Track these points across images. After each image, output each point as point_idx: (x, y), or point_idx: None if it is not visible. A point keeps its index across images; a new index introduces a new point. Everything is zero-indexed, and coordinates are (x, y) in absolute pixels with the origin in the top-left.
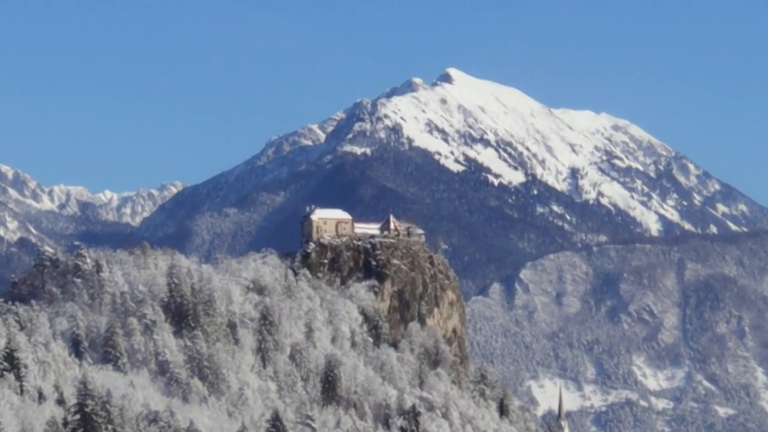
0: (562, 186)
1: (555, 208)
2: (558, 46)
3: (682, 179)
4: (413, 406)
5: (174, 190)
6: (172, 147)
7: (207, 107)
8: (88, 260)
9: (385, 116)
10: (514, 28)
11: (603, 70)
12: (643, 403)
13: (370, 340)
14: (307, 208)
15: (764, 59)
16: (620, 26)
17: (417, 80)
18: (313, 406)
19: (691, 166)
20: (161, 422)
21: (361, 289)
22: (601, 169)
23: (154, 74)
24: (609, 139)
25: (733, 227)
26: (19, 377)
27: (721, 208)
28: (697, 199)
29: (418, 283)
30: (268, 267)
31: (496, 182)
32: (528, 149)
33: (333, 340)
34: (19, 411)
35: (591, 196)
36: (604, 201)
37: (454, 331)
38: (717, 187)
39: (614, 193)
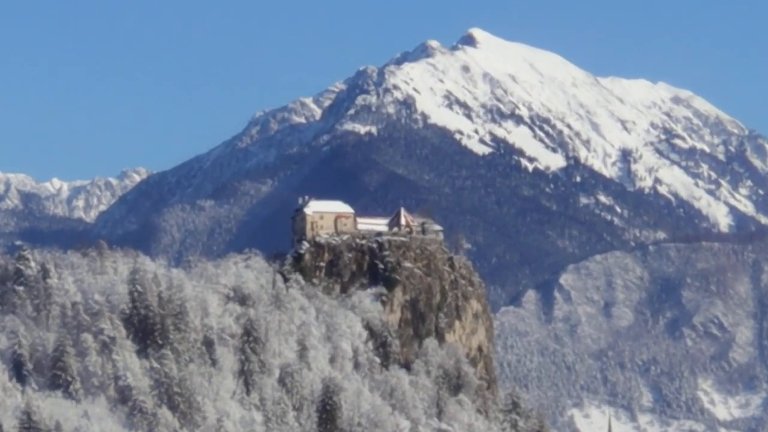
0: (610, 172)
1: (602, 198)
2: (605, 1)
3: (757, 163)
4: None
5: (137, 179)
6: (134, 126)
7: (177, 78)
8: (32, 264)
9: (395, 87)
10: None
11: (661, 30)
12: None
13: (377, 360)
14: (300, 200)
15: None
16: None
17: (433, 43)
18: None
19: None
20: None
21: (365, 298)
22: (658, 151)
23: (112, 40)
24: (668, 115)
25: None
26: None
27: None
28: None
29: (435, 290)
30: (252, 272)
31: (530, 167)
32: (569, 127)
33: (332, 361)
34: None
35: (646, 183)
36: (663, 190)
37: (480, 348)
38: None
39: (675, 180)
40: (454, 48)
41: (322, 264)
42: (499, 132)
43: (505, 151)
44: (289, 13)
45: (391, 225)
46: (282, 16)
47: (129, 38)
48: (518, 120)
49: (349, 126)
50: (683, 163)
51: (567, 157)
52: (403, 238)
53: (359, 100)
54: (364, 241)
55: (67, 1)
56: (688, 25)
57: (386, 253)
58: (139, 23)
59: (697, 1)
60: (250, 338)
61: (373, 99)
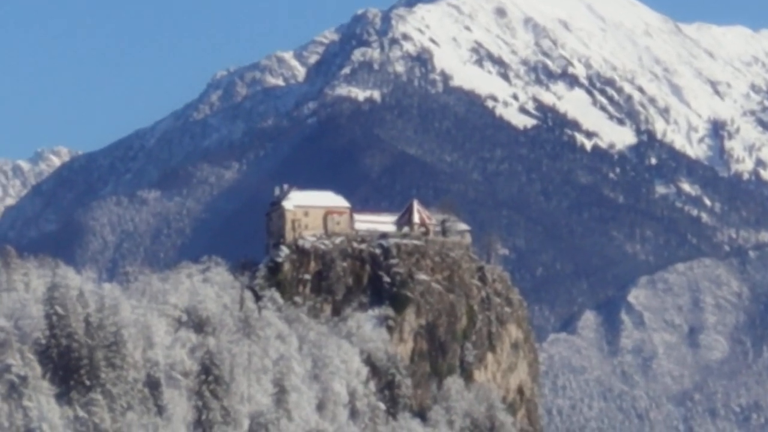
0: (697, 151)
1: (686, 187)
2: None
3: None
4: None
5: (56, 162)
6: (52, 93)
7: (109, 27)
8: None
9: (405, 37)
10: None
11: None
12: None
13: (382, 406)
14: (277, 190)
15: None
16: None
17: None
18: None
19: None
20: None
21: (366, 323)
22: (762, 123)
23: None
24: None
25: None
26: None
27: None
28: None
29: (460, 312)
30: (212, 287)
31: (588, 145)
32: (641, 91)
33: (320, 407)
34: None
35: (745, 167)
36: None
37: (521, 390)
38: None
39: None
40: None
41: (308, 277)
42: (546, 97)
43: (554, 123)
44: None
45: (400, 224)
46: None
47: None
48: (572, 81)
49: (343, 90)
50: None
51: (638, 132)
52: (416, 242)
53: (357, 54)
54: (363, 246)
55: None
56: None
57: (394, 261)
58: None
59: None
60: (209, 377)
61: (375, 53)
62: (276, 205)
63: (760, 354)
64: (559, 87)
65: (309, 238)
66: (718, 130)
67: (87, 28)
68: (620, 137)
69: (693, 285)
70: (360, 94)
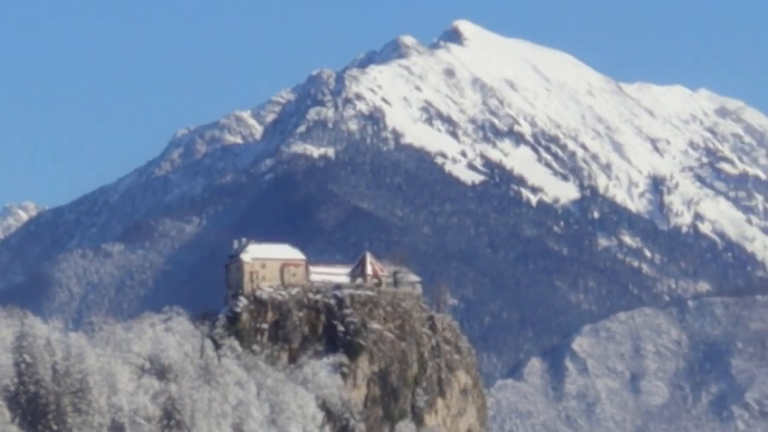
0: (638, 205)
1: (627, 240)
2: None
3: None
4: None
5: (24, 216)
6: (20, 150)
7: (75, 89)
8: None
9: (358, 97)
10: None
11: (702, 24)
12: None
13: None
14: (236, 244)
15: None
16: None
17: (407, 40)
18: None
19: None
20: None
21: (321, 369)
22: (699, 179)
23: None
24: (712, 131)
25: None
26: None
27: None
28: None
29: (411, 359)
30: (173, 336)
31: (533, 200)
32: (584, 148)
33: None
34: None
35: (684, 220)
36: (705, 228)
37: None
38: None
39: (721, 216)
40: (434, 46)
41: (265, 326)
42: (494, 154)
43: (500, 179)
44: (222, 6)
45: (353, 275)
46: (212, 9)
47: (21, 35)
48: (518, 139)
49: (298, 148)
50: (731, 194)
51: (581, 187)
52: (369, 293)
53: (312, 114)
54: (318, 297)
55: None
56: (737, 19)
57: (348, 311)
58: (32, 22)
59: None
60: (171, 422)
61: (329, 113)
62: (235, 257)
63: (698, 399)
64: (506, 144)
65: (266, 289)
66: (657, 185)
67: (52, 86)
68: (564, 192)
69: (634, 333)
70: (315, 151)
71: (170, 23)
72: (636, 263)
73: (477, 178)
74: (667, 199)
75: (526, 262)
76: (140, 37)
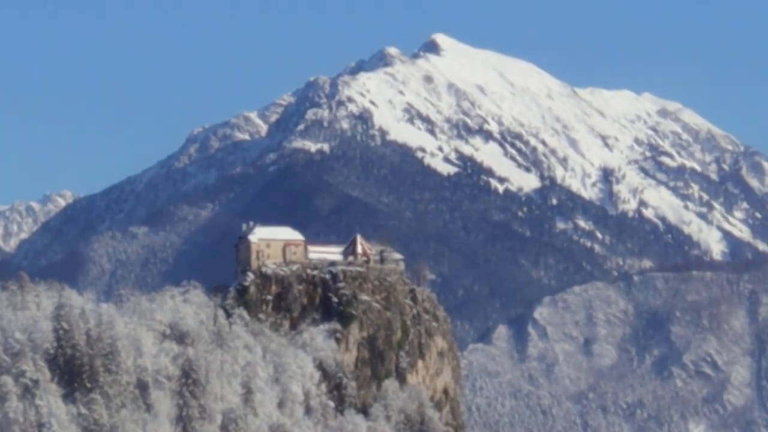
0: (590, 193)
1: (581, 223)
2: (584, 4)
3: (754, 183)
4: None
5: (62, 203)
6: (58, 145)
7: (106, 91)
8: None
9: (349, 100)
10: None
11: (646, 36)
12: None
13: (331, 404)
14: (244, 226)
15: None
16: None
17: (392, 51)
18: None
19: (767, 165)
20: None
21: (317, 335)
22: (643, 170)
23: (35, 51)
24: (654, 129)
25: None
26: None
27: None
28: None
29: (395, 326)
30: (190, 306)
31: (500, 188)
32: (544, 143)
33: (280, 405)
34: None
35: (630, 206)
36: (648, 213)
37: (446, 391)
38: None
39: (662, 203)
40: (415, 56)
41: (269, 297)
42: (466, 149)
43: (472, 170)
44: (231, 18)
45: (346, 254)
46: (223, 21)
47: (53, 47)
48: (487, 136)
49: (298, 143)
50: (671, 184)
51: (542, 178)
52: (359, 269)
53: (309, 114)
54: (315, 272)
55: None
56: (676, 31)
57: (341, 284)
58: (67, 32)
59: (686, 5)
60: (188, 380)
61: (325, 113)
62: (243, 238)
63: (642, 361)
64: (477, 141)
65: (271, 265)
66: (607, 176)
67: (89, 92)
68: (527, 182)
69: (587, 304)
70: (312, 146)
71: (191, 38)
72: (589, 243)
73: (452, 170)
74: (615, 188)
75: (494, 243)
76: (165, 49)
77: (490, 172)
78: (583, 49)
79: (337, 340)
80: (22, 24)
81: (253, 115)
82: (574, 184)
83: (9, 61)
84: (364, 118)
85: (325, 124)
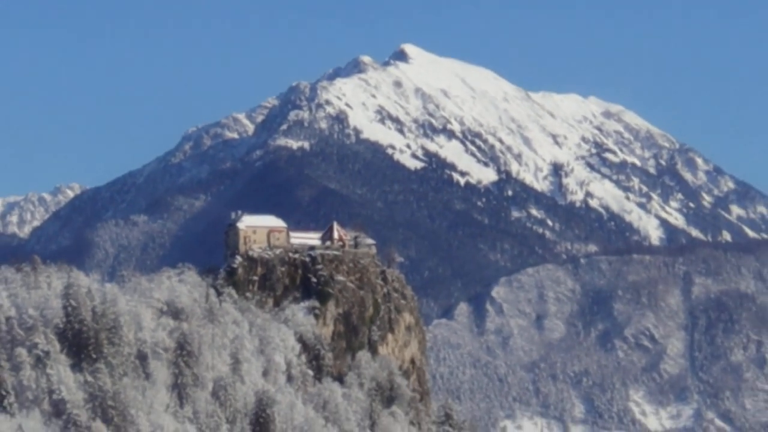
0: (542, 186)
1: (534, 212)
2: (536, 17)
3: (688, 176)
4: None
5: (70, 194)
6: (67, 142)
7: (110, 93)
8: None
9: (327, 102)
10: None
11: (591, 45)
12: None
13: (310, 373)
14: (233, 215)
15: None
16: None
17: (365, 59)
18: None
19: (699, 161)
20: None
21: (298, 311)
22: (589, 165)
23: (46, 56)
24: (599, 129)
25: (751, 234)
26: None
27: (736, 210)
28: (707, 200)
29: (368, 303)
30: (185, 286)
31: (462, 181)
32: (501, 141)
33: (265, 374)
34: None
35: (577, 197)
36: (594, 203)
37: (413, 361)
38: (731, 185)
39: (606, 194)
40: (386, 64)
41: (255, 278)
42: (431, 146)
43: (437, 165)
44: (221, 29)
45: (323, 239)
46: (214, 31)
47: (62, 55)
48: (450, 135)
49: (281, 141)
50: (614, 177)
51: (498, 171)
52: (335, 252)
53: (292, 115)
54: (296, 255)
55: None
56: (618, 40)
57: (319, 266)
58: (73, 40)
59: (626, 17)
60: (183, 352)
61: (305, 114)
62: (232, 225)
63: (588, 334)
64: (441, 139)
65: (257, 249)
66: (557, 170)
67: (97, 96)
68: (485, 176)
69: (539, 284)
70: (294, 144)
71: (189, 49)
72: (540, 230)
73: (418, 164)
74: (564, 181)
75: (456, 229)
76: (166, 59)
77: (452, 167)
78: (535, 58)
79: (316, 316)
80: (33, 37)
81: (242, 116)
82: (528, 178)
83: (27, 69)
84: (340, 119)
85: (306, 124)
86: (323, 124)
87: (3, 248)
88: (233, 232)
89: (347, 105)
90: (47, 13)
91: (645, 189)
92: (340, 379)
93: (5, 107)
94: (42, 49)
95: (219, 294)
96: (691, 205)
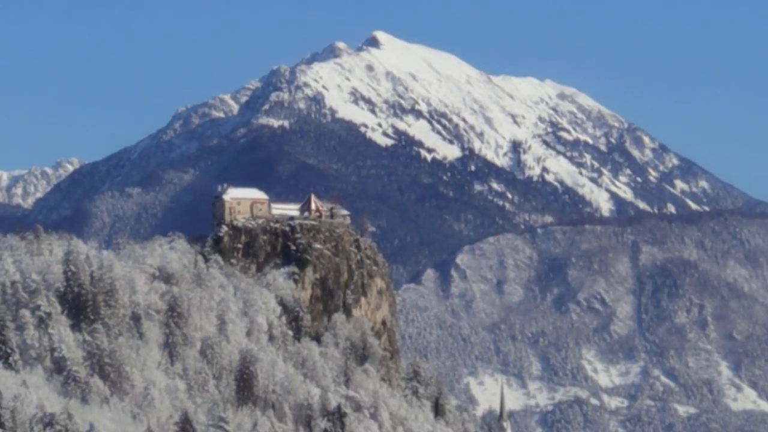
0: (502, 161)
1: (495, 185)
2: (497, 5)
3: (636, 153)
4: (338, 407)
5: (70, 168)
6: (67, 120)
7: (106, 74)
8: None
9: (305, 85)
10: None
11: (547, 32)
12: (594, 401)
13: (290, 333)
14: (219, 188)
15: (725, 21)
16: None
17: (340, 45)
18: (226, 407)
19: (646, 139)
20: (58, 425)
21: (279, 276)
22: (545, 143)
23: (47, 39)
24: (554, 109)
25: (693, 206)
26: None
27: (680, 185)
28: (653, 175)
29: (342, 269)
30: (175, 253)
31: (429, 157)
32: (464, 121)
33: (248, 334)
34: None
35: (535, 172)
36: (550, 178)
37: (384, 322)
38: (675, 161)
39: (560, 169)
40: (359, 49)
41: (240, 246)
42: (401, 125)
43: (405, 142)
44: (209, 16)
45: (302, 210)
46: (203, 20)
47: (64, 40)
48: (418, 114)
49: (264, 120)
50: (568, 154)
51: (462, 148)
52: (313, 222)
53: (273, 96)
54: (277, 225)
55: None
56: (572, 26)
57: (298, 235)
58: (72, 25)
59: (580, 7)
60: (173, 314)
61: (285, 96)
62: (218, 197)
63: (544, 298)
64: (409, 118)
65: (241, 219)
66: (516, 147)
67: (95, 77)
68: (450, 152)
69: (500, 251)
70: (275, 123)
71: (180, 35)
72: (501, 202)
73: (389, 142)
74: (522, 157)
75: (423, 202)
76: (160, 42)
77: (420, 144)
78: (496, 44)
79: (295, 281)
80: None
81: (227, 97)
82: (489, 154)
83: (31, 51)
84: (317, 100)
85: (286, 104)
86: (302, 105)
87: (8, 218)
88: (219, 203)
89: (324, 87)
90: (47, 12)
91: (596, 165)
92: (317, 338)
93: (11, 90)
94: (47, 32)
95: (206, 260)
96: (639, 179)
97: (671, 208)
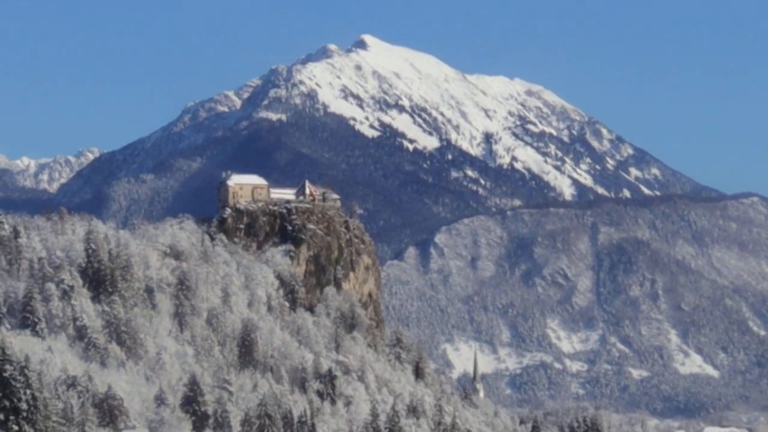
0: (476, 151)
1: (469, 172)
2: (471, 11)
3: (595, 144)
4: (329, 370)
5: (91, 156)
6: (88, 113)
7: (123, 73)
8: (6, 226)
9: (301, 82)
10: None
11: (516, 35)
12: (557, 365)
13: (287, 304)
14: (224, 174)
15: (675, 20)
16: None
17: (332, 47)
18: (230, 370)
19: (604, 131)
20: (79, 387)
21: (277, 253)
22: (514, 134)
23: (70, 39)
24: (522, 105)
25: (646, 191)
26: None
27: (634, 172)
28: (610, 163)
29: (333, 247)
30: (184, 232)
31: (410, 147)
32: (442, 114)
33: (249, 305)
34: None
35: (505, 160)
36: (518, 166)
37: (370, 295)
38: (630, 151)
39: (528, 158)
40: (349, 51)
41: (242, 226)
42: (386, 119)
43: (390, 134)
44: (216, 22)
45: (297, 194)
46: (210, 24)
47: (87, 40)
48: (401, 109)
49: (263, 114)
50: (535, 144)
51: (441, 139)
52: (307, 205)
53: (272, 93)
54: (275, 208)
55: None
56: (540, 29)
57: (294, 217)
58: (93, 28)
59: (548, 10)
60: (183, 287)
61: (283, 92)
62: (223, 183)
63: (513, 273)
64: (394, 112)
65: (243, 203)
66: (488, 138)
67: (114, 74)
68: (430, 143)
69: (474, 232)
70: (274, 116)
71: (190, 36)
72: (475, 188)
73: (375, 134)
74: (494, 147)
75: (405, 187)
76: (171, 43)
77: (403, 136)
78: (471, 46)
79: (291, 258)
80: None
81: (231, 93)
82: (464, 144)
83: (56, 51)
84: (311, 96)
85: (283, 100)
86: (297, 100)
87: (35, 202)
88: (224, 188)
89: (317, 85)
90: (47, 12)
91: (560, 154)
92: (311, 309)
93: (39, 87)
94: (68, 42)
95: (212, 239)
96: (597, 167)
97: (626, 193)
